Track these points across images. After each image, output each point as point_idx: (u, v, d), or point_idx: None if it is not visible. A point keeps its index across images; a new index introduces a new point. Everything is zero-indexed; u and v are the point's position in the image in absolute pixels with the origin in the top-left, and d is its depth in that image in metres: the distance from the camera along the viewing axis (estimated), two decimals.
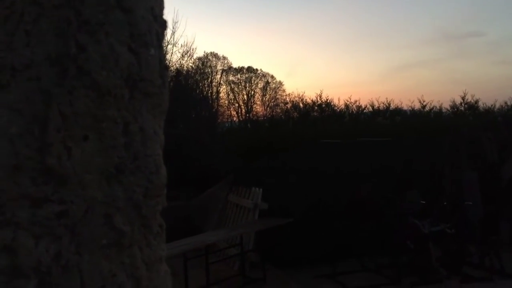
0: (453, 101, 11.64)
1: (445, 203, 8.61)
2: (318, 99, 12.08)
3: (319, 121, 10.98)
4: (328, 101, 12.02)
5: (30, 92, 0.60)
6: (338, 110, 11.81)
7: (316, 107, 11.95)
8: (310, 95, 34.00)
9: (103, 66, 0.63)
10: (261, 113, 25.99)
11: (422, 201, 7.84)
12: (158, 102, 0.70)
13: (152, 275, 0.69)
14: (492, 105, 11.51)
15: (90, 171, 0.63)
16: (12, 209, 0.60)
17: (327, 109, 11.84)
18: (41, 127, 0.60)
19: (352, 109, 11.73)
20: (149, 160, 0.69)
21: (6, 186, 0.60)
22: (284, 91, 29.04)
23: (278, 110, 21.07)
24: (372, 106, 11.77)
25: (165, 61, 0.72)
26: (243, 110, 27.57)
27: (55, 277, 0.61)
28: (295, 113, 12.30)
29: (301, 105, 12.50)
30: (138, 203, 0.68)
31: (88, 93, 0.63)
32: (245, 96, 28.55)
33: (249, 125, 13.92)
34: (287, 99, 18.33)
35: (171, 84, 19.47)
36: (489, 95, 33.32)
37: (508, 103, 11.38)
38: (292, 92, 29.08)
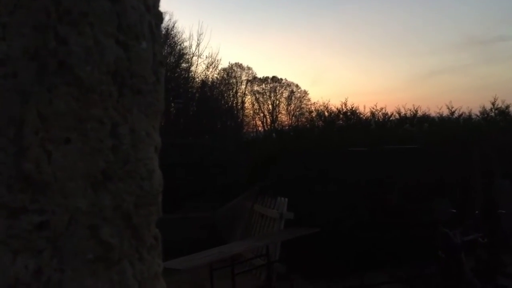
0: (483, 107, 11.34)
1: (477, 212, 8.37)
2: (344, 107, 11.95)
3: (345, 129, 10.83)
4: (354, 109, 11.87)
5: (5, 91, 0.55)
6: (364, 118, 11.65)
7: (341, 115, 11.80)
8: (335, 103, 33.84)
9: (86, 61, 0.57)
10: (287, 122, 25.93)
11: (452, 210, 7.62)
12: (151, 101, 0.64)
13: None
14: None
15: (72, 178, 0.57)
16: None
17: (352, 117, 11.68)
18: (17, 129, 0.55)
19: (378, 117, 11.55)
20: (140, 165, 0.62)
21: None
22: (309, 100, 28.98)
23: (303, 119, 20.97)
24: (399, 113, 11.56)
25: (161, 56, 0.66)
26: (268, 120, 27.59)
27: None
28: (320, 122, 12.17)
29: (326, 113, 12.38)
30: (128, 212, 0.61)
31: (70, 91, 0.56)
32: (270, 106, 28.58)
33: (274, 134, 13.87)
34: (312, 108, 18.24)
35: (197, 95, 19.61)
36: None
37: None
38: (317, 100, 28.94)
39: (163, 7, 0.68)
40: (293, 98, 29.17)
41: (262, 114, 28.31)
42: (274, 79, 28.98)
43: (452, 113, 11.32)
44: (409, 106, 12.90)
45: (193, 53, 20.48)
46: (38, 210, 0.55)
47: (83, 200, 0.57)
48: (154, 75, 0.64)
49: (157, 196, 0.64)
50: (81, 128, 0.57)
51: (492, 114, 11.24)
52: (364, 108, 13.22)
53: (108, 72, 0.59)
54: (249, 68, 28.35)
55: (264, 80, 28.90)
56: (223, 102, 21.74)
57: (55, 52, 0.56)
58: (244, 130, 22.94)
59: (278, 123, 25.22)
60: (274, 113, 28.23)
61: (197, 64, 20.72)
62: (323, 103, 15.56)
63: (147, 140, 0.63)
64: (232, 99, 24.12)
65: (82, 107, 0.57)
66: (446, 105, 11.56)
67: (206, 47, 32.14)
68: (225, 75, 24.95)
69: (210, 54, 24.25)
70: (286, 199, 8.27)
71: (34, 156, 0.54)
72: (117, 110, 0.59)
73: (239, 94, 25.81)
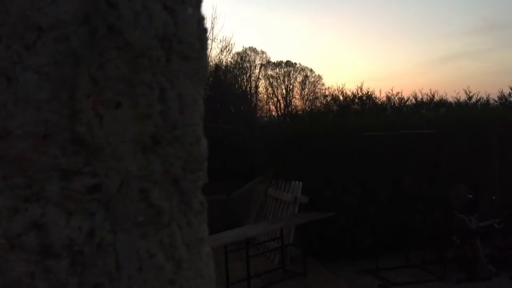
0: (501, 92, 11.18)
1: (493, 197, 8.31)
2: (359, 92, 11.85)
3: (360, 114, 10.76)
4: (369, 93, 11.77)
5: (58, 54, 0.55)
6: (380, 102, 11.55)
7: (356, 100, 11.71)
8: (350, 87, 33.58)
9: (135, 25, 0.57)
10: (300, 107, 25.78)
11: (469, 195, 7.57)
12: (196, 68, 0.64)
13: (193, 257, 0.63)
14: None
15: (124, 141, 0.58)
16: (41, 182, 0.55)
17: (368, 101, 11.58)
18: (70, 92, 0.55)
19: (394, 101, 11.44)
20: (188, 130, 0.63)
21: (34, 157, 0.55)
22: (323, 84, 28.75)
23: (318, 104, 20.88)
24: (415, 98, 11.44)
25: (204, 23, 0.66)
26: (282, 105, 27.46)
27: (88, 256, 0.56)
28: (335, 106, 12.10)
29: (341, 98, 12.29)
30: (177, 177, 0.62)
31: (120, 55, 0.57)
32: (284, 91, 28.42)
33: (288, 119, 13.84)
34: (327, 93, 18.16)
35: (211, 79, 19.59)
36: None
37: None
38: (332, 85, 28.73)
39: None
40: (307, 82, 28.98)
41: (275, 99, 28.20)
42: (288, 63, 28.78)
43: (470, 98, 11.18)
44: (426, 90, 12.77)
45: (207, 36, 20.36)
46: (91, 173, 0.56)
47: (134, 163, 0.58)
48: (199, 42, 0.64)
49: (203, 162, 0.65)
50: (131, 92, 0.58)
51: (511, 99, 11.09)
52: (380, 92, 13.15)
53: (156, 37, 0.59)
54: (263, 52, 28.19)
55: (278, 64, 28.72)
56: (236, 86, 21.68)
57: (105, 16, 0.56)
58: (258, 115, 22.87)
59: (292, 108, 25.10)
60: (288, 98, 28.11)
61: (211, 48, 20.66)
62: (338, 88, 15.49)
63: (193, 106, 0.63)
64: (245, 83, 24.04)
65: (132, 71, 0.57)
66: (464, 90, 11.42)
67: (220, 31, 32.06)
68: (239, 59, 24.85)
69: (224, 38, 24.11)
70: (301, 183, 8.27)
71: (86, 119, 0.55)
72: (164, 76, 0.60)
73: (253, 78, 25.72)
